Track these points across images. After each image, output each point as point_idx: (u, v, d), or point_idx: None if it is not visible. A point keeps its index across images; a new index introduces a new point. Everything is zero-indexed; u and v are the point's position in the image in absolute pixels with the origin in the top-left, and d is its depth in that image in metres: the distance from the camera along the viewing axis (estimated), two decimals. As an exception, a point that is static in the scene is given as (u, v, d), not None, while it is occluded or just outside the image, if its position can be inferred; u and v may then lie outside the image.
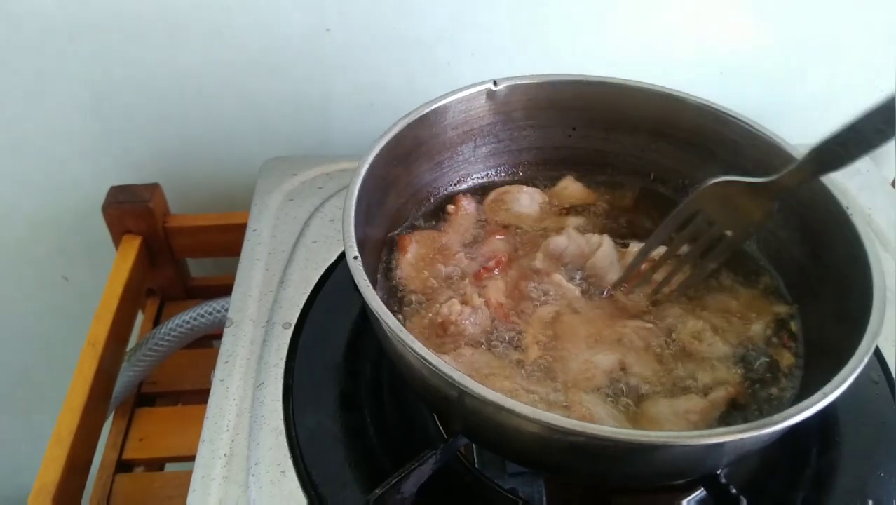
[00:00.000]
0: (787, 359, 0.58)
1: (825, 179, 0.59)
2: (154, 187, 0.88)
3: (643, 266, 0.63)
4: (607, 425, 0.48)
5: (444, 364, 0.44)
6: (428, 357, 0.45)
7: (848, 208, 0.56)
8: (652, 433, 0.46)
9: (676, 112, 0.66)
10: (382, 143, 0.60)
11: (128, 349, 0.84)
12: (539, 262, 0.64)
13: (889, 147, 1.04)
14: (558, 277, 0.63)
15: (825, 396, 0.45)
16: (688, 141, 0.67)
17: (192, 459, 0.78)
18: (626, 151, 0.71)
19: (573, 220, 0.69)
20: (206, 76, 0.86)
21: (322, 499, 0.55)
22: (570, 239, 0.65)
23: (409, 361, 0.48)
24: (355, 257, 0.51)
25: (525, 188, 0.71)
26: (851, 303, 0.53)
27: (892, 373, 0.64)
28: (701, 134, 0.66)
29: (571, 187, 0.72)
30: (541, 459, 0.50)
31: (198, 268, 0.99)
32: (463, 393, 0.44)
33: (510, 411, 0.43)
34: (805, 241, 0.61)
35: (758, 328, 0.60)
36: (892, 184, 0.98)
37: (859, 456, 0.60)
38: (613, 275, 0.63)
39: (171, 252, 0.92)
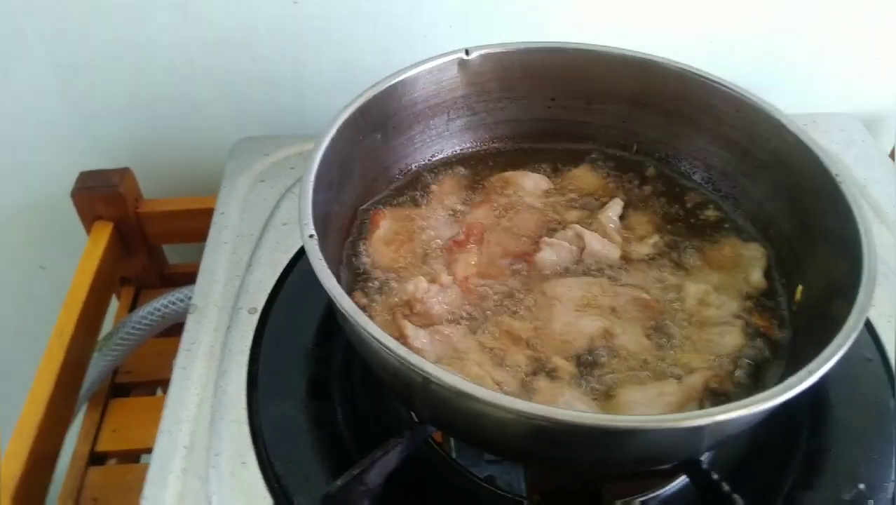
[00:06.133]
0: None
1: (813, 145, 0.56)
2: (124, 172, 0.85)
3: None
4: (571, 409, 0.45)
5: (396, 344, 0.41)
6: (382, 339, 0.42)
7: (837, 175, 0.53)
8: (605, 416, 0.44)
9: (657, 79, 0.63)
10: (345, 115, 0.57)
11: (99, 339, 0.81)
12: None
13: (886, 117, 1.00)
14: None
15: (810, 374, 0.42)
16: (670, 109, 0.64)
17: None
18: (607, 123, 0.68)
19: (574, 214, 0.64)
20: (174, 55, 0.83)
21: (285, 490, 0.53)
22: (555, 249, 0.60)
23: (365, 344, 0.45)
24: (311, 236, 0.48)
25: (530, 174, 0.67)
26: (841, 276, 0.50)
27: (886, 350, 0.61)
28: (683, 101, 0.63)
29: (586, 175, 0.68)
30: (506, 445, 0.47)
31: (176, 254, 0.96)
32: (420, 376, 0.41)
33: (469, 396, 0.40)
34: (793, 211, 0.58)
35: (756, 276, 0.58)
36: (892, 156, 0.94)
37: (851, 437, 0.57)
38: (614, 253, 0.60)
39: (145, 238, 0.89)
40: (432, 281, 0.55)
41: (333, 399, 0.59)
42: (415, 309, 0.54)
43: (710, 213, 0.64)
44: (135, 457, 0.78)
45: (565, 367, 0.52)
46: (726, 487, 0.47)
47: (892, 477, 0.54)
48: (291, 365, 0.61)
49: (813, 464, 0.55)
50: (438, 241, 0.61)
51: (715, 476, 0.48)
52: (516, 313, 0.55)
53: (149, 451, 0.76)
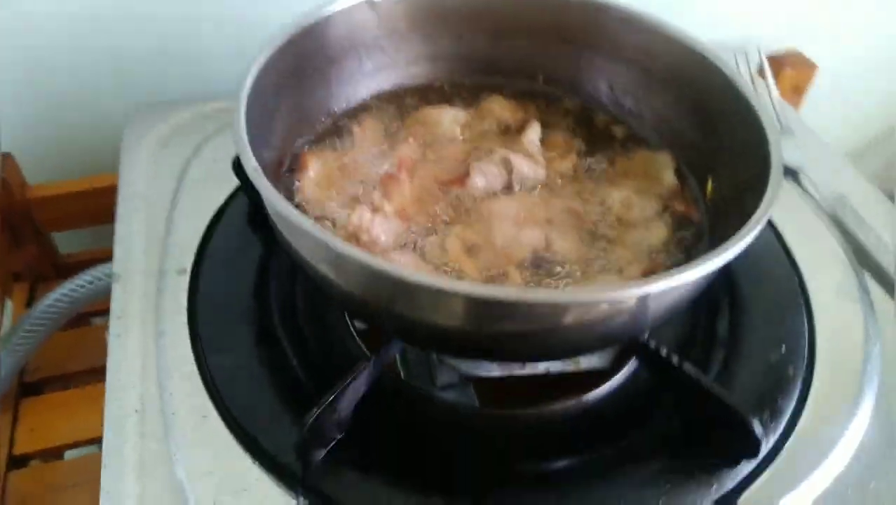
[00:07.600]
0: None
1: (712, 56, 0.60)
2: (5, 158, 0.79)
3: None
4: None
5: (353, 249, 0.42)
6: (346, 251, 0.42)
7: (737, 82, 0.58)
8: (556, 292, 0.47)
9: (555, 7, 0.66)
10: (266, 54, 0.56)
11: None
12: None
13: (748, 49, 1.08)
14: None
15: (739, 239, 0.45)
16: (570, 37, 0.67)
17: (93, 442, 0.72)
18: (513, 55, 0.70)
19: (495, 141, 0.65)
20: (54, 27, 0.77)
21: (251, 436, 0.52)
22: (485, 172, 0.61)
23: (328, 263, 0.45)
24: (255, 168, 0.47)
25: (447, 108, 0.68)
26: (749, 175, 0.53)
27: (784, 239, 0.68)
28: (582, 28, 0.66)
29: (499, 105, 0.69)
30: (467, 338, 0.48)
31: (73, 242, 0.90)
32: (388, 280, 0.42)
33: (434, 288, 0.41)
34: (700, 124, 0.62)
35: (669, 177, 0.62)
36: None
37: (767, 311, 0.63)
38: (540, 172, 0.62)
39: (35, 227, 0.83)
40: (375, 210, 0.56)
41: (282, 344, 0.58)
42: (361, 240, 0.54)
43: (619, 130, 0.68)
44: (59, 454, 0.73)
45: (516, 275, 0.54)
46: (676, 360, 0.52)
47: (805, 336, 0.61)
48: (234, 316, 0.59)
49: (740, 336, 0.61)
50: (370, 176, 0.61)
51: (664, 351, 0.52)
52: (460, 234, 0.57)
53: (73, 446, 0.72)
